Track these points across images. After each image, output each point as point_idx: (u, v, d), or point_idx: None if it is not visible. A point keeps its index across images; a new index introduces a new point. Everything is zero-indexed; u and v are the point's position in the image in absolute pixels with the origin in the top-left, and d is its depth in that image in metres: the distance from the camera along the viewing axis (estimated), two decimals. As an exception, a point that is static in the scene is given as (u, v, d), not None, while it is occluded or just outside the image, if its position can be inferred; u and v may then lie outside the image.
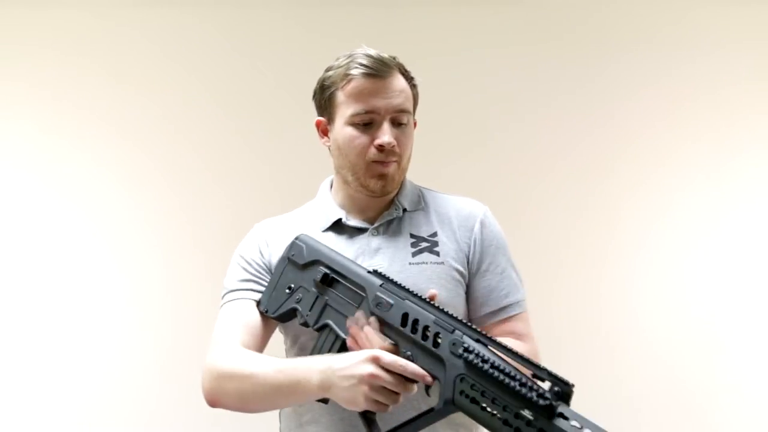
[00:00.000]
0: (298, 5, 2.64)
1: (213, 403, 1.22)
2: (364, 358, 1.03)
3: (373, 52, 1.28)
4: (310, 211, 1.37)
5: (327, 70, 1.31)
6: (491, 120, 2.59)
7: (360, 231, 1.30)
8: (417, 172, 1.40)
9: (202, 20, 2.63)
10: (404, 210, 1.32)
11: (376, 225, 1.30)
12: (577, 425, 0.88)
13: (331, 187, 1.38)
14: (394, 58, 1.31)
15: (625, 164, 2.57)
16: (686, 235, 2.53)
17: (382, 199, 1.32)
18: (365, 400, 1.02)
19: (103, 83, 2.57)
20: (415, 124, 1.36)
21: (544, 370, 0.92)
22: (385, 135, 1.24)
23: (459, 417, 1.26)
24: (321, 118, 1.34)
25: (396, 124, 1.27)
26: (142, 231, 2.53)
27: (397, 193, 1.34)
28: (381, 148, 1.24)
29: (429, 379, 1.02)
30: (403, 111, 1.27)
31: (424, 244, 1.29)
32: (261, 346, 1.27)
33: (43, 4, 2.59)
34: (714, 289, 2.50)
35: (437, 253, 1.28)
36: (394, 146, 1.25)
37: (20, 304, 2.46)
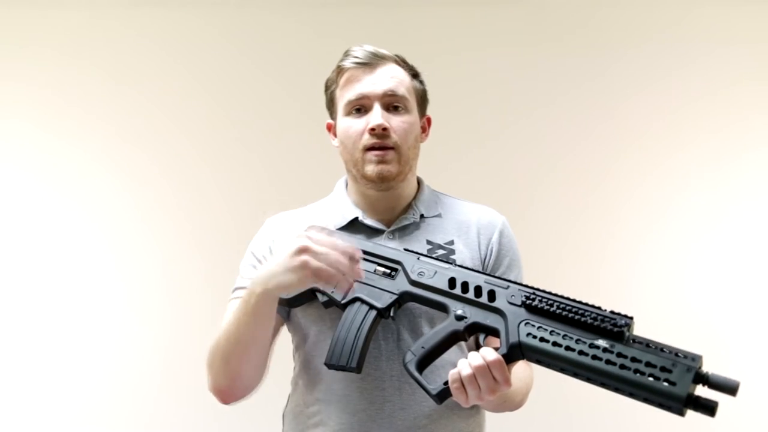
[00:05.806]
0: (300, 6, 2.63)
1: (219, 392, 1.22)
2: (295, 248, 1.08)
3: (368, 46, 1.29)
4: (326, 207, 1.36)
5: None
6: (491, 120, 2.59)
7: (376, 232, 1.29)
8: (418, 172, 1.40)
9: (202, 20, 2.62)
10: (421, 216, 1.31)
11: (392, 228, 1.29)
12: (651, 346, 0.95)
13: (347, 186, 1.37)
14: (396, 55, 1.32)
15: (625, 164, 2.57)
16: (686, 236, 2.53)
17: (398, 201, 1.32)
18: (304, 269, 1.06)
19: (103, 83, 2.57)
20: (429, 121, 1.38)
21: (605, 310, 0.99)
22: (375, 117, 1.25)
23: (465, 425, 1.26)
24: (330, 121, 1.36)
25: (390, 108, 1.27)
26: (142, 231, 2.53)
27: (415, 198, 1.33)
28: (372, 130, 1.24)
29: (359, 253, 1.11)
30: (394, 95, 1.27)
31: (440, 252, 1.27)
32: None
33: (43, 4, 2.58)
34: (714, 289, 2.50)
35: (453, 262, 1.26)
36: (386, 128, 1.24)
37: (19, 303, 2.46)
